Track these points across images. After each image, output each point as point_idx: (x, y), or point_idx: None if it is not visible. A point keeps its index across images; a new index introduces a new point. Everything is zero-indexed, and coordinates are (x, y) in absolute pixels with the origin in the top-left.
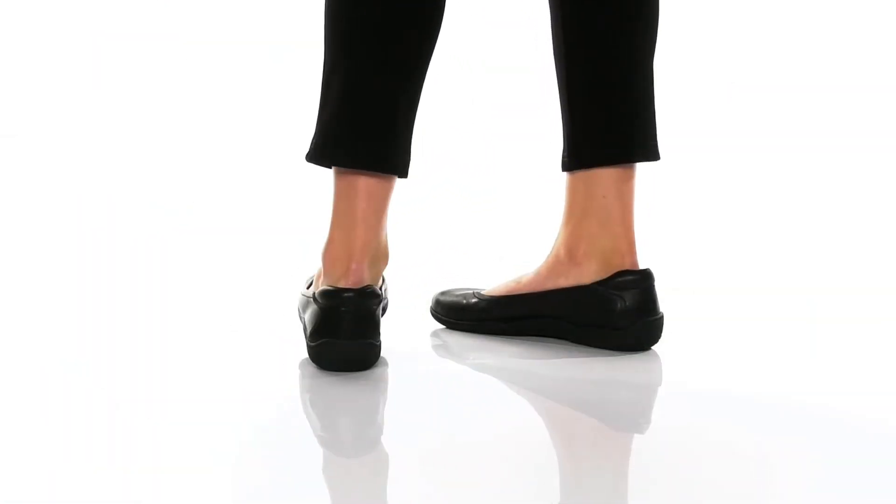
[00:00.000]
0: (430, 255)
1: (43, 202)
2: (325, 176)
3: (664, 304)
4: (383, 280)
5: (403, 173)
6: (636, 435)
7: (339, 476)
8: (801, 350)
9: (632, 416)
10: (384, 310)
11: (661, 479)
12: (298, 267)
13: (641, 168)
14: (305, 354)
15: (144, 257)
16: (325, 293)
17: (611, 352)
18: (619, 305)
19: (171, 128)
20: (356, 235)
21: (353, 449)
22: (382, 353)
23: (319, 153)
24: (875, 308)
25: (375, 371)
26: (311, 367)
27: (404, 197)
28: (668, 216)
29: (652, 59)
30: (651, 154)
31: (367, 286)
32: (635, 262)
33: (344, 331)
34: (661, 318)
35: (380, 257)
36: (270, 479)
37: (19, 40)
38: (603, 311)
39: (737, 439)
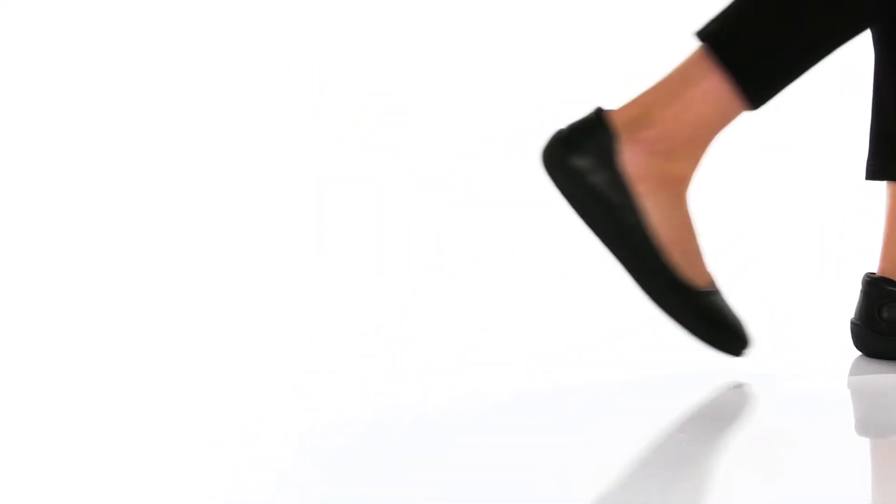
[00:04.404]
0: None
1: (42, 202)
2: (323, 178)
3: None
4: None
5: None
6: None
7: (334, 475)
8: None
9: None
10: None
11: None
12: (298, 266)
13: None
14: (302, 352)
15: (143, 257)
16: None
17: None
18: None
19: (172, 128)
20: None
21: (350, 449)
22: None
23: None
24: None
25: (374, 372)
26: (309, 368)
27: None
28: None
29: None
30: None
31: None
32: None
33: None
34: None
35: None
36: (265, 478)
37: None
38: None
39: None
